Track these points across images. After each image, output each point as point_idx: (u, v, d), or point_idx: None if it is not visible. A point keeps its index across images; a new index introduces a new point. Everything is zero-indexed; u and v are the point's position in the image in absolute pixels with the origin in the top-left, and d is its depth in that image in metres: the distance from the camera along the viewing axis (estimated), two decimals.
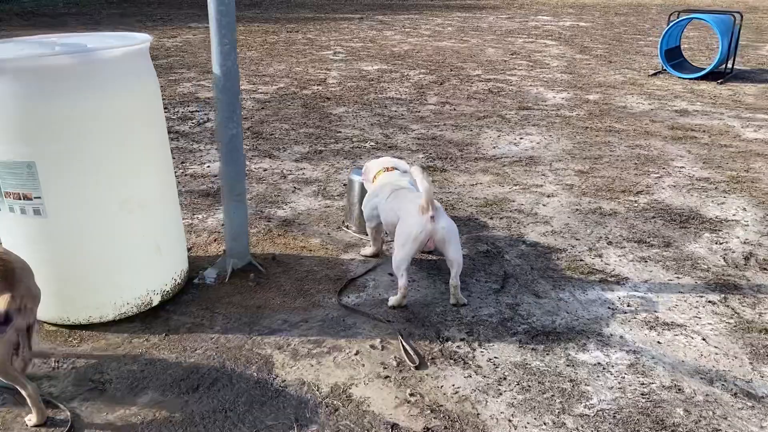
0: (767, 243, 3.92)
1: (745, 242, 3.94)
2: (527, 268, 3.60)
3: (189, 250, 3.69)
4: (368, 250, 3.75)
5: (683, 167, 5.30)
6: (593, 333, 3.00)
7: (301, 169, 5.20)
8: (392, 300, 3.23)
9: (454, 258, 3.19)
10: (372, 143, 5.88)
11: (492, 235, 4.02)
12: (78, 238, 2.87)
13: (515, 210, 4.39)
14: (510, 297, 3.31)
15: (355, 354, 2.84)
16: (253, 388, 2.62)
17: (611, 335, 2.98)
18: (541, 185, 4.85)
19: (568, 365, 2.77)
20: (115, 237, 2.95)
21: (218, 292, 3.32)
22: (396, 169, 3.74)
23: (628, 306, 3.24)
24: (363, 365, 2.77)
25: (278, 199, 4.57)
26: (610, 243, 3.91)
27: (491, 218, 4.25)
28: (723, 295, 3.34)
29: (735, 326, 3.06)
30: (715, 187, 4.85)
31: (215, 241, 3.90)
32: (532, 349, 2.88)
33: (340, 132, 6.25)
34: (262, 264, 3.56)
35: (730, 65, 9.02)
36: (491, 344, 2.91)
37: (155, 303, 3.15)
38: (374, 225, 3.64)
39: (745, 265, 3.66)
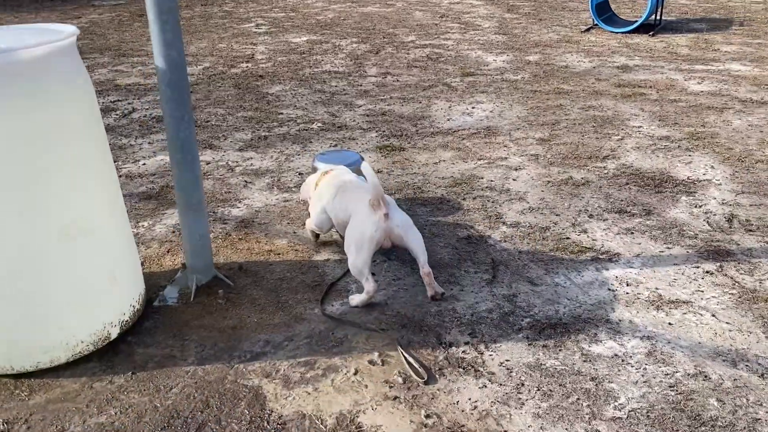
0: (744, 202, 3.86)
1: (723, 203, 3.86)
2: (515, 253, 3.38)
3: (141, 265, 3.27)
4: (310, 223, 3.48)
5: (641, 126, 5.21)
6: (601, 320, 2.82)
7: (248, 159, 4.79)
8: (355, 299, 2.97)
9: (418, 248, 2.97)
10: (319, 124, 5.50)
11: (469, 218, 3.77)
12: (14, 275, 2.44)
13: (486, 187, 4.16)
14: (505, 287, 3.09)
15: (354, 374, 2.55)
16: (248, 430, 2.29)
17: (620, 321, 2.81)
18: (506, 158, 4.64)
19: (585, 361, 2.58)
20: (58, 269, 2.52)
21: (184, 314, 2.94)
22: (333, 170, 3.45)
23: (628, 285, 3.08)
24: (366, 386, 2.48)
25: (230, 197, 4.17)
26: (591, 216, 3.75)
27: (464, 199, 4.01)
28: (718, 264, 3.23)
29: (739, 298, 2.95)
30: (678, 146, 4.77)
31: (168, 252, 3.49)
32: (543, 345, 2.67)
33: (281, 113, 5.83)
34: (228, 276, 3.19)
35: (658, 16, 9.06)
36: (498, 345, 2.69)
37: (114, 336, 2.74)
38: (327, 230, 3.33)
39: (730, 228, 3.58)
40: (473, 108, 5.82)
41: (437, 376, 2.53)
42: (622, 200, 3.93)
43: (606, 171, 4.35)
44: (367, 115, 5.71)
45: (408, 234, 2.97)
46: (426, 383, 2.48)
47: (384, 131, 5.28)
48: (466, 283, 3.13)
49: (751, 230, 3.53)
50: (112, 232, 2.74)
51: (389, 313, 2.91)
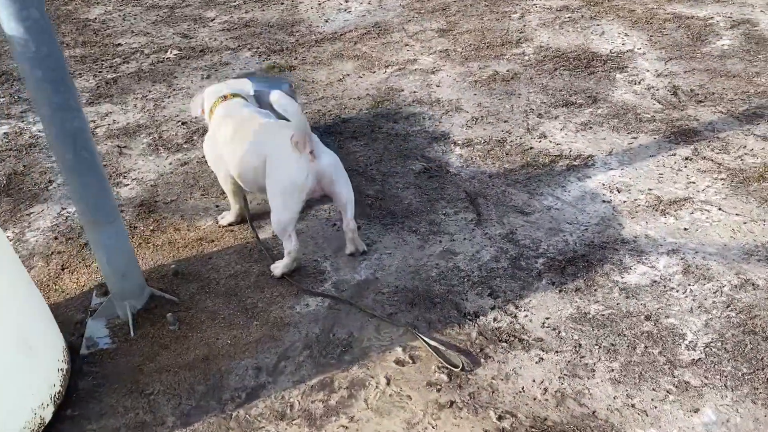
0: (677, 69, 3.70)
1: (658, 74, 3.68)
2: (485, 179, 2.97)
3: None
4: (228, 216, 2.81)
5: None
6: (616, 241, 2.54)
7: (107, 114, 3.81)
8: (278, 268, 2.49)
9: (347, 197, 2.47)
10: (175, 51, 4.52)
11: (414, 144, 3.27)
12: None
13: (413, 102, 3.64)
14: (496, 225, 2.69)
15: (387, 384, 2.07)
16: None
17: (635, 238, 2.55)
18: (415, 59, 4.10)
19: (627, 297, 2.30)
20: None
21: (131, 357, 2.24)
22: (237, 96, 2.73)
23: (619, 192, 2.81)
24: (409, 397, 2.02)
25: (109, 172, 3.28)
26: (540, 115, 3.40)
27: (395, 122, 3.47)
28: (691, 147, 3.05)
29: (732, 182, 2.80)
30: (581, 15, 4.50)
31: (64, 269, 2.66)
32: (575, 289, 2.35)
33: (120, 44, 4.73)
34: (166, 290, 2.47)
35: None
36: (527, 301, 2.32)
37: (49, 419, 2.01)
38: (226, 174, 2.69)
39: (679, 102, 3.40)
40: (347, 2, 5.09)
41: (481, 359, 2.12)
42: (560, 90, 3.60)
43: (527, 58, 3.98)
44: (228, 30, 4.80)
45: (339, 178, 2.44)
46: (463, 370, 2.07)
47: (258, 47, 4.46)
48: (453, 229, 2.69)
49: (700, 101, 3.39)
50: (5, 283, 1.92)
51: (386, 291, 2.42)
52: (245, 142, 2.50)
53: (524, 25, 4.40)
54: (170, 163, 3.29)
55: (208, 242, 2.73)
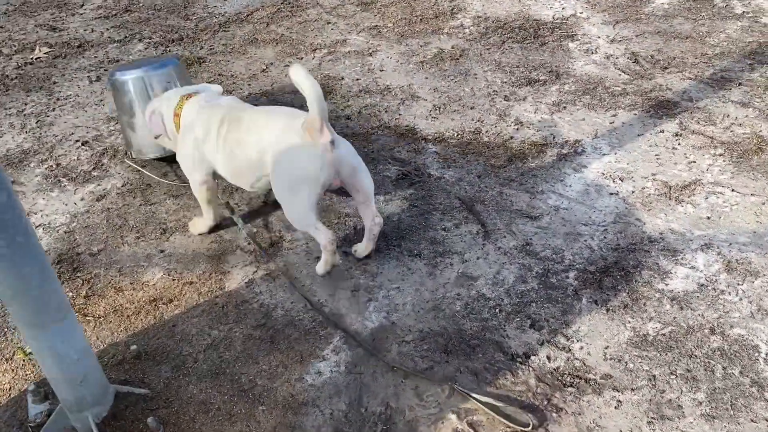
0: (627, 34, 3.51)
1: (611, 41, 3.46)
2: (474, 181, 2.61)
3: None
4: (201, 223, 2.40)
5: None
6: (644, 242, 2.29)
7: None
8: (321, 267, 2.17)
9: (369, 187, 2.18)
10: (45, 48, 3.70)
11: (379, 145, 2.82)
12: None
13: (360, 92, 3.17)
14: (507, 235, 2.35)
15: None
16: None
17: (661, 234, 2.31)
18: (345, 40, 3.60)
19: (680, 308, 2.05)
20: None
21: None
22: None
23: (622, 181, 2.57)
24: None
25: None
26: (506, 98, 3.07)
27: (348, 118, 3.00)
28: (676, 121, 2.86)
29: (732, 158, 2.64)
30: None
31: None
32: (622, 307, 2.07)
33: None
34: (130, 381, 1.91)
35: None
36: (575, 328, 2.01)
37: None
38: (203, 178, 2.28)
39: (644, 70, 3.20)
40: None
41: (552, 413, 1.80)
42: (517, 66, 3.29)
43: (468, 32, 3.62)
44: (105, 17, 4.01)
45: (359, 168, 2.14)
46: (535, 429, 1.74)
47: (150, 37, 3.75)
48: (460, 247, 2.31)
49: (665, 67, 3.21)
50: None
51: (411, 338, 2.01)
52: (236, 133, 2.11)
53: None
54: (82, 199, 2.63)
55: (166, 303, 2.16)
